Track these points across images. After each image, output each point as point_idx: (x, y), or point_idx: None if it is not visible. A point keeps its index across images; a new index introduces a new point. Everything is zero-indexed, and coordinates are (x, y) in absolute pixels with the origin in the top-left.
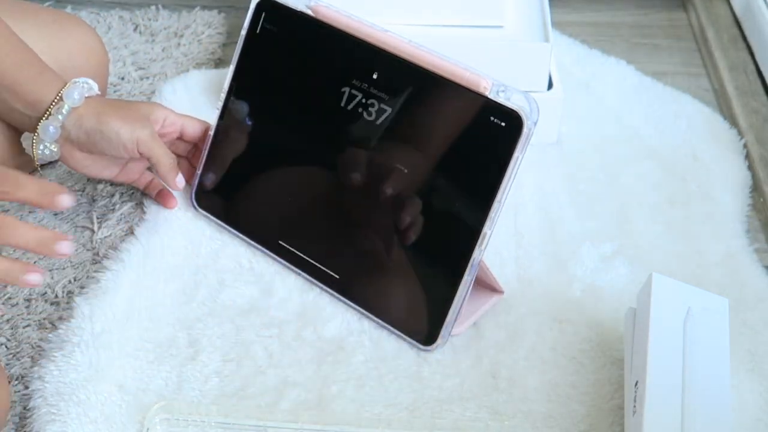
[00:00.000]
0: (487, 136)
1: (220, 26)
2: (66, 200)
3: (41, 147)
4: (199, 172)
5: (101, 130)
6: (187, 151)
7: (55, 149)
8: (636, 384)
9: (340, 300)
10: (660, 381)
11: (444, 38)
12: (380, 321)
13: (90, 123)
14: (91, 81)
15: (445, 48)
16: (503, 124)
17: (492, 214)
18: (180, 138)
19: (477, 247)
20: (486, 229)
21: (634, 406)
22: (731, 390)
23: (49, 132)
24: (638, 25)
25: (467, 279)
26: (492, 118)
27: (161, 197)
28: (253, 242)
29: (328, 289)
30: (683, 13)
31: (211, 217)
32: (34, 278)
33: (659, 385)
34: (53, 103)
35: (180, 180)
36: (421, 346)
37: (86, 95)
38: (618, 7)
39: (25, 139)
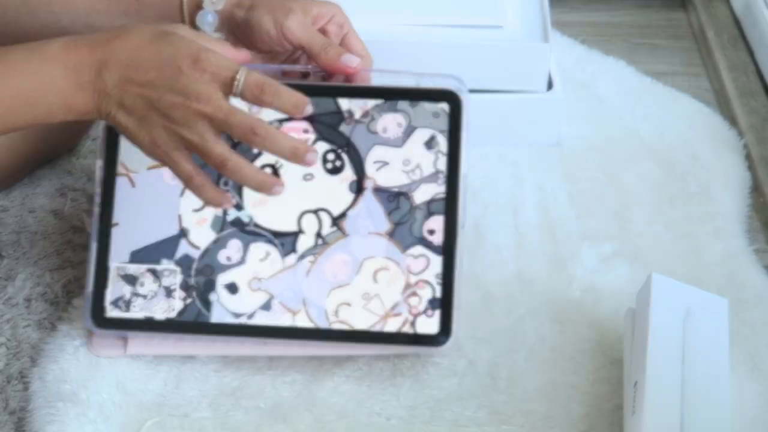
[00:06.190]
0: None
1: None
2: (309, 108)
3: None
4: None
5: (247, 19)
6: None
7: (215, 35)
8: (635, 384)
9: None
10: (659, 381)
11: (443, 38)
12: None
13: (240, 14)
14: None
15: (445, 48)
16: (440, 104)
17: (461, 192)
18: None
19: (459, 230)
20: (459, 210)
21: (634, 406)
22: (731, 390)
23: (207, 20)
24: (638, 25)
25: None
26: (427, 105)
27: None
28: None
29: None
30: (683, 13)
31: None
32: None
33: (658, 385)
34: None
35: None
36: (441, 345)
37: None
38: (617, 7)
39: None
